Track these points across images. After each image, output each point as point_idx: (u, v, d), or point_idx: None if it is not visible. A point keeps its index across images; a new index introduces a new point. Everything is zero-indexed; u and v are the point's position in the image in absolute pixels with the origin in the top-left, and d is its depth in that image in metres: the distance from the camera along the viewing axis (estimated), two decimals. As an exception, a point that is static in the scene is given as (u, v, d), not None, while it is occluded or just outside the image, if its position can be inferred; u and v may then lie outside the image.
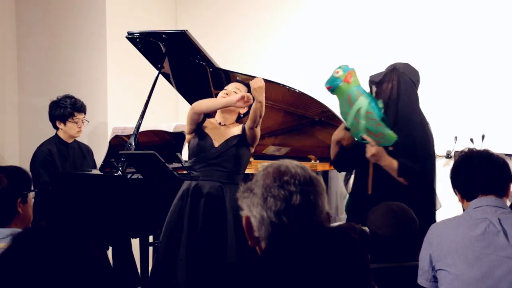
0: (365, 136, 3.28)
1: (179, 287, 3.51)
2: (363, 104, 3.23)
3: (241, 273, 1.10)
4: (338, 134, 3.54)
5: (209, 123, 3.74)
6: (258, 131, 3.64)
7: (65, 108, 4.58)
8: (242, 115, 3.76)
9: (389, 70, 3.42)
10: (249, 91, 3.65)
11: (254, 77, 4.30)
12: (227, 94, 3.66)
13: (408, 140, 3.33)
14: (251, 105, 3.65)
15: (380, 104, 3.30)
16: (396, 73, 3.39)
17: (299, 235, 1.11)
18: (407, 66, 3.48)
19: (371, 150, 3.29)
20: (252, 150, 3.75)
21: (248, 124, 3.59)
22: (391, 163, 3.30)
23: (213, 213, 3.55)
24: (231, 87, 3.71)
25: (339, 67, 3.32)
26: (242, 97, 3.58)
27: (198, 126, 3.69)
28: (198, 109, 3.61)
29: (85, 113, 4.67)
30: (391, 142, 3.27)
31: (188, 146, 3.75)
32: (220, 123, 3.72)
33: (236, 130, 3.69)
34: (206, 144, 3.65)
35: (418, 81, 3.49)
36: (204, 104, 3.63)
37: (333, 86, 3.30)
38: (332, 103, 4.47)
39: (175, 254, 3.55)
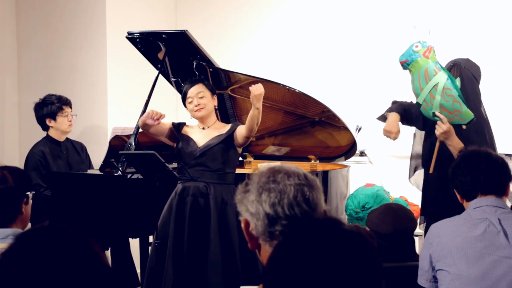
0: (437, 113, 3.24)
1: (167, 284, 3.55)
2: (441, 79, 3.19)
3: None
4: (389, 127, 3.52)
5: (193, 128, 3.79)
6: (250, 138, 3.67)
7: (52, 104, 4.54)
8: (216, 107, 3.78)
9: (450, 66, 3.43)
10: (206, 84, 3.73)
11: (254, 77, 4.33)
12: (197, 105, 3.68)
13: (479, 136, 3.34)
14: (222, 98, 3.80)
15: (458, 82, 3.26)
16: (458, 68, 3.39)
17: (315, 232, 1.10)
18: (468, 61, 3.48)
19: (442, 127, 3.24)
20: (240, 150, 3.77)
21: (244, 132, 3.58)
22: (458, 144, 3.26)
23: (197, 212, 3.60)
24: (194, 93, 3.70)
25: (418, 42, 3.27)
26: (148, 115, 3.65)
27: (171, 135, 3.76)
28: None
29: (71, 107, 4.63)
30: (466, 121, 3.24)
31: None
32: (203, 128, 3.75)
33: (221, 130, 3.71)
34: (189, 147, 3.69)
35: (480, 75, 3.49)
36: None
37: (409, 60, 3.26)
38: (332, 103, 4.48)
39: (165, 255, 3.59)
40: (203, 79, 3.85)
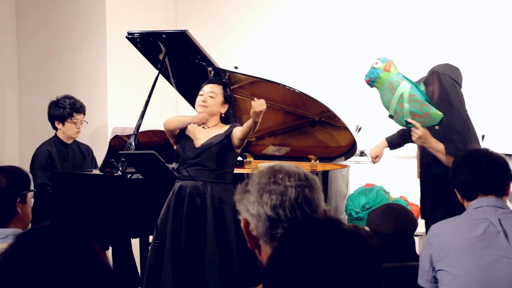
0: (409, 120, 3.34)
1: (165, 283, 3.55)
2: (405, 88, 3.30)
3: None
4: (372, 152, 3.88)
5: (195, 127, 3.79)
6: (245, 141, 3.70)
7: (64, 109, 4.56)
8: (223, 115, 3.79)
9: (429, 74, 3.51)
10: (224, 88, 3.73)
11: (254, 77, 4.33)
12: (203, 101, 3.69)
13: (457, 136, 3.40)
14: (231, 104, 3.84)
15: (422, 87, 3.36)
16: (436, 75, 3.46)
17: (315, 232, 1.09)
18: (446, 66, 3.55)
19: (417, 132, 3.34)
20: (238, 151, 3.78)
21: (239, 135, 3.60)
22: (437, 145, 3.36)
23: (194, 211, 3.60)
24: (207, 90, 3.72)
25: (378, 59, 3.40)
26: (200, 120, 3.68)
27: (177, 136, 3.78)
28: (168, 127, 3.77)
29: (84, 114, 4.65)
30: (436, 121, 3.33)
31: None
32: (203, 127, 3.75)
33: (220, 130, 3.72)
34: (187, 146, 3.71)
35: (460, 77, 3.55)
36: (173, 123, 3.77)
37: (373, 77, 3.37)
38: (332, 103, 4.48)
39: (163, 254, 3.59)
40: (225, 83, 3.82)
